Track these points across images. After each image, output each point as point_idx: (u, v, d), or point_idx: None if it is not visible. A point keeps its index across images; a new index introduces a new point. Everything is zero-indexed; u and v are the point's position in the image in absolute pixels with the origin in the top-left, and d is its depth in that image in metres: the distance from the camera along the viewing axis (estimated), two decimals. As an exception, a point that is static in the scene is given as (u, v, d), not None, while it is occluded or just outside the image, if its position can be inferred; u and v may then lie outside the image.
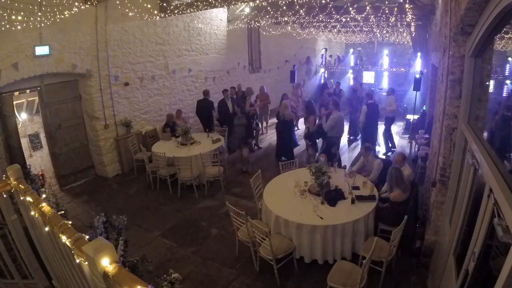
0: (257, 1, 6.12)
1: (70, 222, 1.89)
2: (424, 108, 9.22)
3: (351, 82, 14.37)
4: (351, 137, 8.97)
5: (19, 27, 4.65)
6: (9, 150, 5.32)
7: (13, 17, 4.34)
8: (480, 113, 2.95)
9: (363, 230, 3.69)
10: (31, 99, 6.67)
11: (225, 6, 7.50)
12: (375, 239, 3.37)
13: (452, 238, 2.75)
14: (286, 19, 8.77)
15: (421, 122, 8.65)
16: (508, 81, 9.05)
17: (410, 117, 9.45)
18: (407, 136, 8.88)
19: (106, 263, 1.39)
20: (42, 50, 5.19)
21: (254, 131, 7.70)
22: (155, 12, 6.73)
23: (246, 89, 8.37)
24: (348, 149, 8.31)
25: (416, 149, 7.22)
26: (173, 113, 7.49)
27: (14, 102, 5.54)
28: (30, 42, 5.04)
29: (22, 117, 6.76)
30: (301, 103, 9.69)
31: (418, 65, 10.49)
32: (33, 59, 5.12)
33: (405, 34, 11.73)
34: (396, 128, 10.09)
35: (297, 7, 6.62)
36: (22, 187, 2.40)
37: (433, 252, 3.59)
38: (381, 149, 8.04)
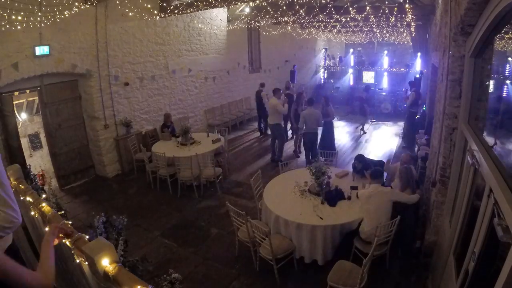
0: (257, 1, 6.13)
1: (70, 222, 1.89)
2: (424, 108, 9.23)
3: (351, 82, 14.42)
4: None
5: (19, 27, 4.64)
6: (9, 150, 5.32)
7: (13, 17, 4.34)
8: (480, 113, 2.95)
9: (363, 230, 3.68)
10: (31, 99, 6.68)
11: (225, 6, 7.50)
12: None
13: (452, 238, 2.75)
14: (286, 19, 8.78)
15: (421, 122, 8.66)
16: (508, 81, 9.05)
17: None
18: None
19: (106, 263, 1.39)
20: (42, 50, 5.19)
21: None
22: (155, 12, 6.73)
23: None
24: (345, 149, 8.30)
25: (416, 149, 7.22)
26: (170, 113, 7.49)
27: (14, 102, 5.54)
28: (30, 42, 5.04)
29: (22, 117, 6.77)
30: None
31: (418, 65, 10.50)
32: (33, 59, 5.13)
33: (405, 34, 11.74)
34: (396, 128, 10.11)
35: (297, 7, 6.63)
36: (22, 187, 2.40)
37: (433, 252, 3.59)
38: None
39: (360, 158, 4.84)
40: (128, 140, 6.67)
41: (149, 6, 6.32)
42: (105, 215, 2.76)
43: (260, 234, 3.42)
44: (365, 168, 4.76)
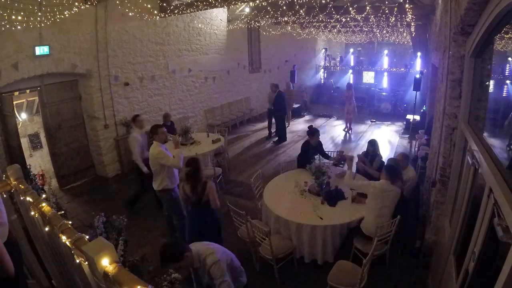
0: (257, 1, 6.12)
1: (70, 222, 1.89)
2: (424, 108, 9.23)
3: (351, 82, 14.42)
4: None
5: (19, 27, 4.65)
6: (9, 150, 5.32)
7: (13, 17, 4.34)
8: (480, 113, 2.95)
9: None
10: (31, 99, 6.67)
11: (225, 6, 7.51)
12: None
13: (452, 238, 2.75)
14: (286, 19, 8.77)
15: (421, 122, 8.66)
16: (508, 81, 9.05)
17: (410, 117, 9.47)
18: (407, 136, 8.89)
19: (106, 263, 1.39)
20: (42, 50, 5.18)
21: None
22: (155, 12, 6.73)
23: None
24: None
25: (416, 149, 7.22)
26: (169, 113, 7.47)
27: (14, 102, 5.54)
28: (30, 42, 5.04)
29: (22, 117, 6.76)
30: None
31: (418, 65, 10.50)
32: (33, 59, 5.12)
33: (405, 34, 11.73)
34: (396, 128, 10.12)
35: (297, 7, 6.63)
36: (22, 187, 2.40)
37: (433, 252, 3.59)
38: None
39: (373, 142, 4.93)
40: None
41: (149, 6, 6.31)
42: (105, 215, 2.76)
43: (260, 234, 3.43)
44: (375, 155, 4.80)
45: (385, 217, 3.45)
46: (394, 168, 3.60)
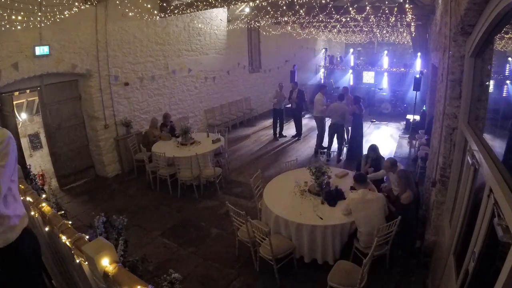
0: (257, 1, 6.13)
1: (70, 222, 1.89)
2: (424, 108, 9.23)
3: (351, 82, 14.44)
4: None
5: (19, 27, 4.65)
6: (9, 150, 5.31)
7: (13, 17, 4.35)
8: (480, 113, 2.95)
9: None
10: (31, 99, 6.68)
11: (225, 6, 7.51)
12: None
13: (452, 238, 2.75)
14: (286, 19, 8.77)
15: (421, 122, 8.66)
16: (508, 81, 9.04)
17: (410, 117, 9.47)
18: (407, 136, 8.89)
19: (106, 263, 1.40)
20: (42, 50, 5.19)
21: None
22: (155, 12, 6.74)
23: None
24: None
25: (416, 149, 7.22)
26: (169, 113, 7.48)
27: (14, 102, 5.54)
28: (30, 42, 5.04)
29: (22, 117, 6.76)
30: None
31: (418, 65, 10.50)
32: (33, 59, 5.13)
33: (405, 34, 11.73)
34: (396, 128, 10.12)
35: (297, 7, 6.63)
36: (22, 187, 2.40)
37: (433, 252, 3.59)
38: None
39: (374, 147, 4.97)
40: (128, 140, 6.67)
41: (149, 6, 6.32)
42: (105, 215, 2.76)
43: (260, 234, 3.42)
44: (377, 159, 4.83)
45: (376, 226, 3.34)
46: (363, 176, 3.78)
